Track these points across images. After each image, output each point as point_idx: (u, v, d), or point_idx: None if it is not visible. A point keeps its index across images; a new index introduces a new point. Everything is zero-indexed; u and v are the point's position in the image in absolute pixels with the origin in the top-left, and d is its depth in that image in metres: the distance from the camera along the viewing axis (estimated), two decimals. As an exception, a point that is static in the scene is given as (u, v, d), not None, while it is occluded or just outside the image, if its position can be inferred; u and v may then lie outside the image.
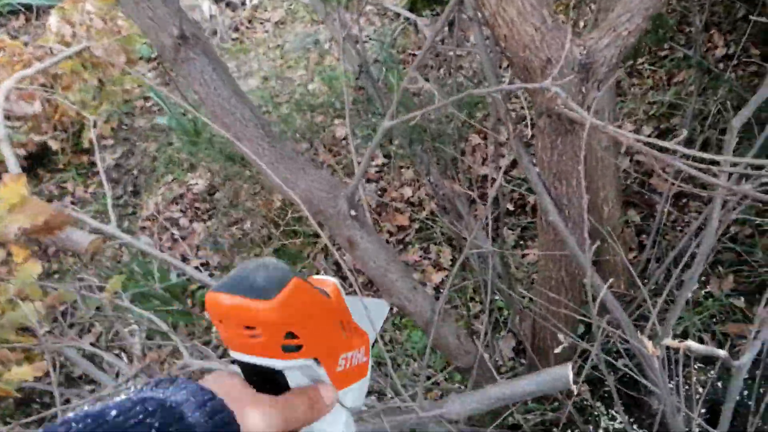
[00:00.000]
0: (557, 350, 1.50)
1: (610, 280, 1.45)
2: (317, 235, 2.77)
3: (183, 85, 4.36)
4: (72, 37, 3.94)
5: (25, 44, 4.73)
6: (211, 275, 3.07)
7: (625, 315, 1.35)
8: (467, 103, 3.07)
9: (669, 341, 0.88)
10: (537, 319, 1.76)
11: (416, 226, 2.90)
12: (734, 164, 0.82)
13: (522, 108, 3.03)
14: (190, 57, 1.03)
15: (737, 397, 1.84)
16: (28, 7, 5.10)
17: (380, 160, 3.20)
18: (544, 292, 1.66)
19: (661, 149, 0.72)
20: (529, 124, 1.21)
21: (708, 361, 1.89)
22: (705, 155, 0.75)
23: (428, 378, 2.34)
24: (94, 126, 3.76)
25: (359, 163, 1.34)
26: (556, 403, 1.82)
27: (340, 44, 1.71)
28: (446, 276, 2.65)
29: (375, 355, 2.48)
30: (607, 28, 1.16)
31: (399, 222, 2.95)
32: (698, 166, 0.90)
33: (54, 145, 3.98)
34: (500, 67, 2.87)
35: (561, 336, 1.45)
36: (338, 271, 2.79)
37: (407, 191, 3.01)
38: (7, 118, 3.75)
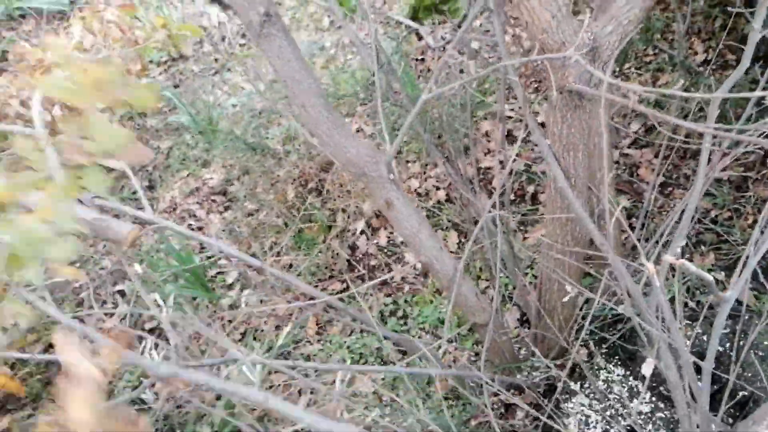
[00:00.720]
0: (565, 299, 1.72)
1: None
2: (333, 220, 2.98)
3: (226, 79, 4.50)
4: (91, 46, 4.11)
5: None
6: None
7: (621, 265, 1.57)
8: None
9: (669, 258, 1.10)
10: (543, 281, 1.97)
11: (423, 214, 3.11)
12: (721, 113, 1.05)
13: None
14: (272, 33, 1.25)
15: (719, 348, 2.08)
16: (39, 12, 5.29)
17: (387, 156, 3.42)
18: (551, 254, 1.88)
19: (658, 105, 0.93)
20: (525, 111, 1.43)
21: (693, 318, 2.12)
22: (699, 96, 0.98)
23: (439, 347, 2.54)
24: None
25: (389, 137, 1.56)
26: (561, 360, 2.04)
27: (374, 41, 1.93)
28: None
29: (389, 329, 2.68)
30: (610, 17, 1.39)
31: (407, 211, 3.16)
32: (689, 123, 1.14)
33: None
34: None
35: (568, 287, 1.67)
36: (353, 254, 2.99)
37: (414, 183, 3.23)
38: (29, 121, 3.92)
